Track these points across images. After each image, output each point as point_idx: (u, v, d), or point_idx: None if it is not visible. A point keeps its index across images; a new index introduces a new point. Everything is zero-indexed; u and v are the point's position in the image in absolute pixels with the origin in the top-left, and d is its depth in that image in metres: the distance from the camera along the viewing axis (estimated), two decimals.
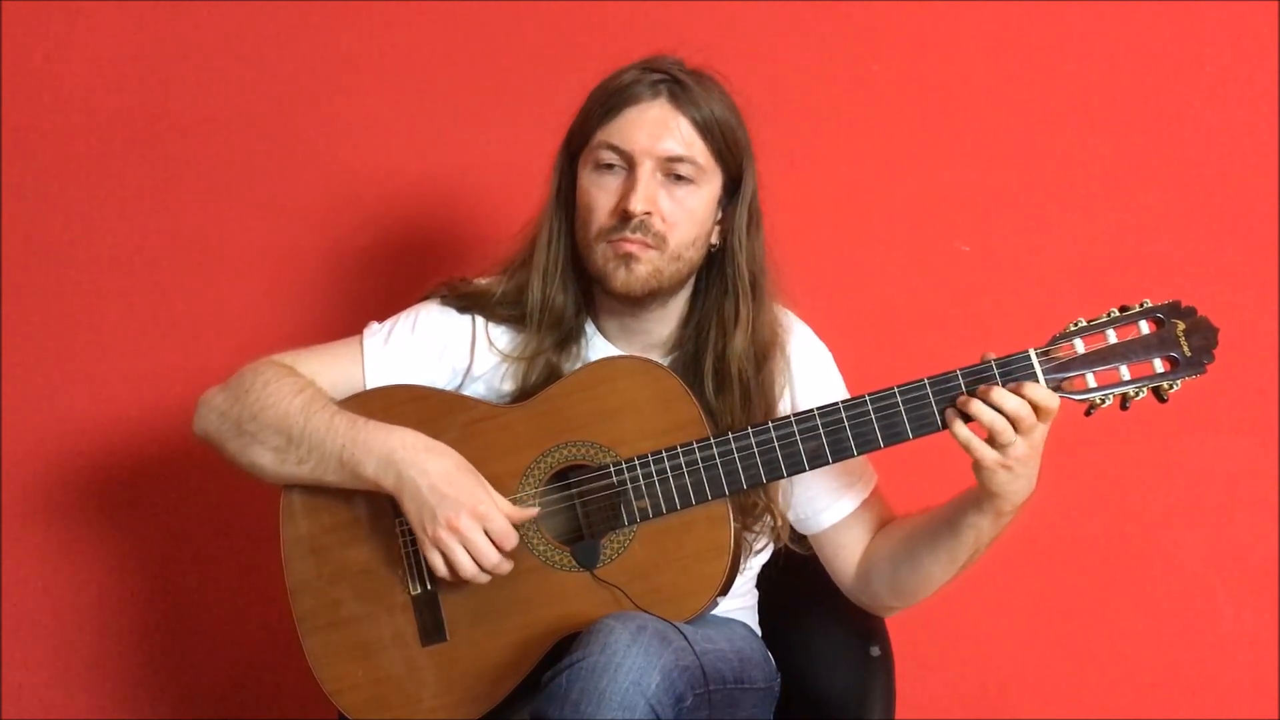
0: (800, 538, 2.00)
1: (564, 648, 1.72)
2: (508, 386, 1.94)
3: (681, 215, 1.88)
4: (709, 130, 1.89)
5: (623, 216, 1.86)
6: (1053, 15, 2.49)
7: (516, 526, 1.82)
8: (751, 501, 1.90)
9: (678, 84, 1.90)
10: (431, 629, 1.86)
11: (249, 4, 2.53)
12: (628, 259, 1.86)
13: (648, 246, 1.86)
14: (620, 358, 1.93)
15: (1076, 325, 1.75)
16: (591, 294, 1.98)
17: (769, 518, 1.93)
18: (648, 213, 1.85)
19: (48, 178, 2.53)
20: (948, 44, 2.51)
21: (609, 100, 1.90)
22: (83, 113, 2.53)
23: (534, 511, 1.83)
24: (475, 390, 1.96)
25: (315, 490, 1.89)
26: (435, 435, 1.85)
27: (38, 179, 2.53)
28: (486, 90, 2.53)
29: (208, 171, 2.53)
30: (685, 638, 1.74)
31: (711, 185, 1.91)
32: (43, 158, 2.53)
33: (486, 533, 1.79)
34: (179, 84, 2.53)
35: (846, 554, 1.97)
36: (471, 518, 1.79)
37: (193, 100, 2.53)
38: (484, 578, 1.81)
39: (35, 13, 2.52)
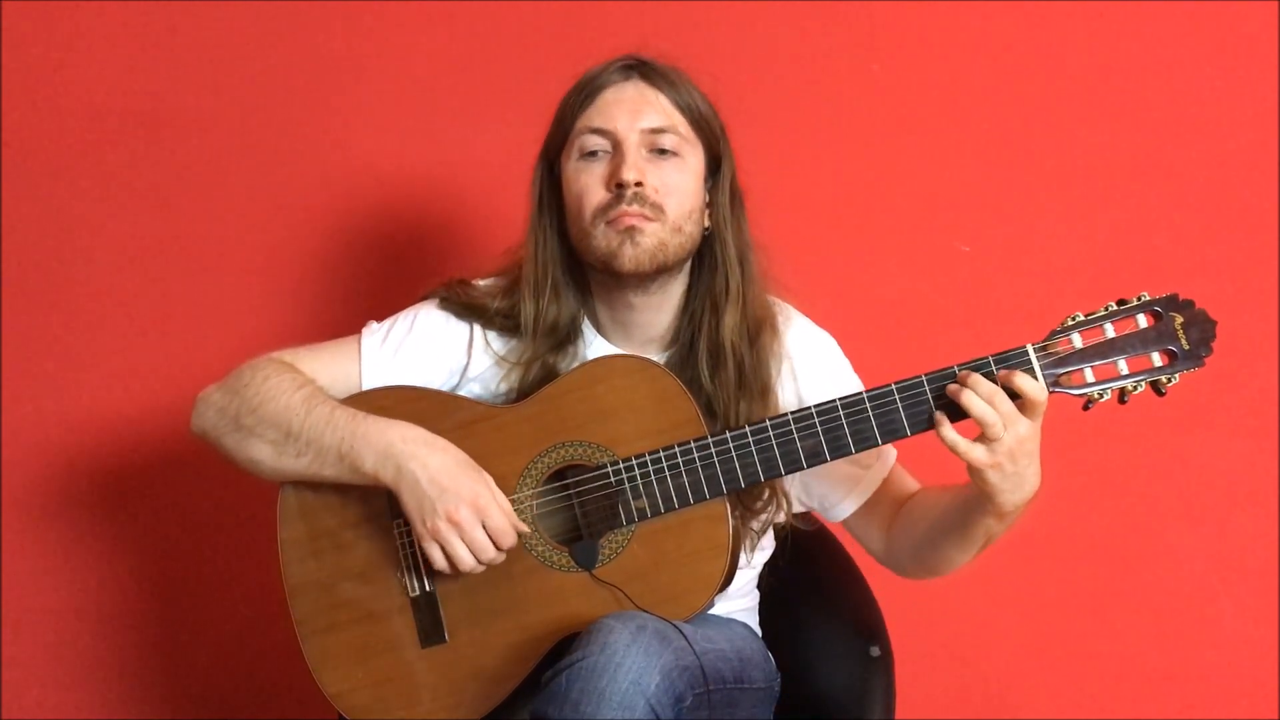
0: (804, 514, 2.01)
1: (564, 648, 1.72)
2: (504, 387, 1.94)
3: (673, 186, 1.89)
4: (685, 106, 1.92)
5: (617, 189, 1.86)
6: (1053, 15, 2.49)
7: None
8: (756, 490, 1.89)
9: (647, 66, 1.93)
10: (431, 630, 1.86)
11: (249, 4, 2.53)
12: (631, 233, 1.86)
13: (647, 219, 1.86)
14: (617, 356, 1.93)
15: (1074, 319, 1.75)
16: (587, 294, 1.98)
17: (774, 505, 1.93)
18: (639, 183, 1.86)
19: (48, 178, 2.53)
20: (948, 44, 2.52)
21: (583, 90, 1.92)
22: (83, 113, 2.54)
23: (525, 529, 1.83)
24: (471, 391, 1.96)
25: (313, 492, 1.89)
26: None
27: (38, 179, 2.53)
28: (485, 90, 2.53)
29: (208, 171, 2.54)
30: (685, 637, 1.74)
31: (695, 157, 1.92)
32: (43, 158, 2.53)
33: (485, 527, 1.79)
34: (179, 84, 2.54)
35: (874, 534, 1.99)
36: (471, 510, 1.79)
37: (193, 100, 2.54)
38: (480, 568, 1.81)
39: (35, 13, 2.53)
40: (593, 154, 1.90)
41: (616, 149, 1.88)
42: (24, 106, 2.53)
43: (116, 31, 2.54)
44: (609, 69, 1.92)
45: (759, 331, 1.94)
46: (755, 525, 1.94)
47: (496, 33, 2.53)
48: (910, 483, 1.98)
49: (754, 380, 1.91)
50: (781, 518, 1.96)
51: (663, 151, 1.89)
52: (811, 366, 1.97)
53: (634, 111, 1.89)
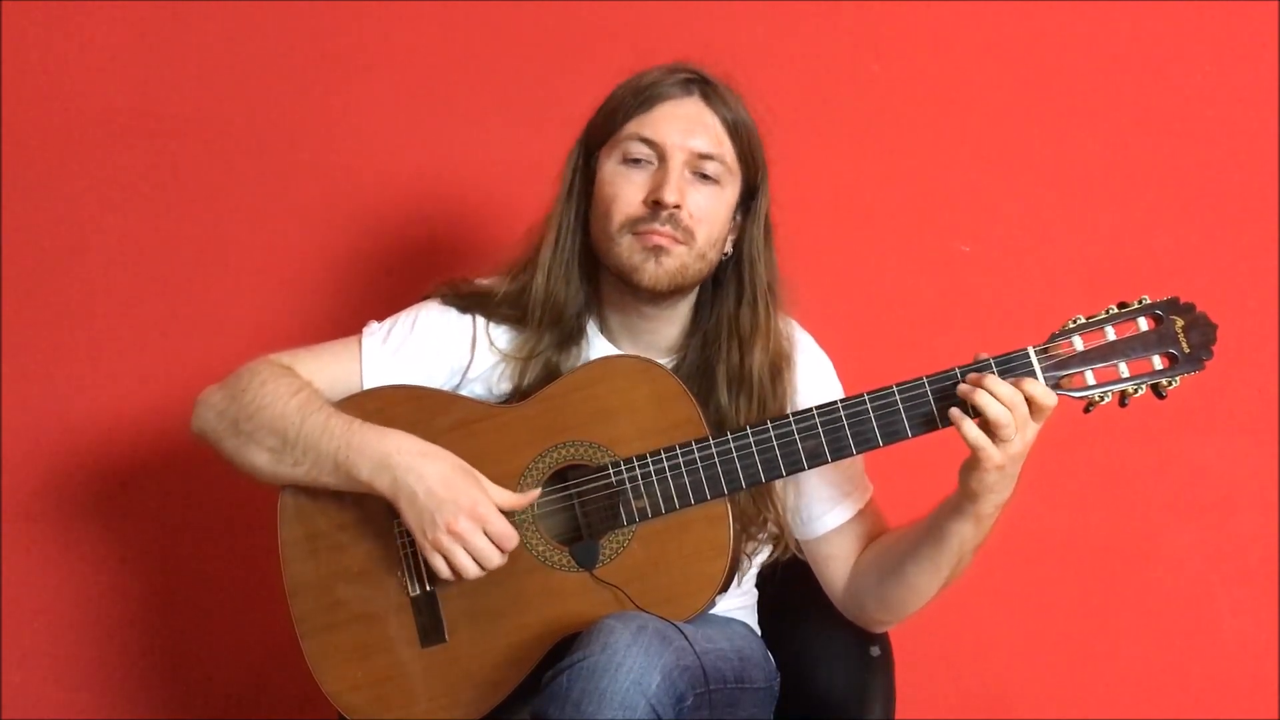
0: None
1: (564, 648, 1.72)
2: (506, 386, 1.94)
3: (708, 213, 1.89)
4: (737, 132, 1.91)
5: (654, 207, 1.86)
6: (1053, 15, 2.49)
7: (515, 524, 1.82)
8: (755, 510, 1.90)
9: (709, 84, 1.92)
10: (431, 630, 1.86)
11: (249, 4, 2.53)
12: (657, 251, 1.86)
13: (676, 241, 1.87)
14: (618, 357, 1.93)
15: (1075, 322, 1.75)
16: (597, 293, 1.98)
17: (772, 528, 1.93)
18: (678, 205, 1.86)
19: (48, 178, 2.53)
20: (948, 44, 2.52)
21: (641, 94, 1.90)
22: (83, 113, 2.54)
23: (535, 494, 1.83)
24: (473, 390, 1.96)
25: (313, 491, 1.89)
26: (432, 435, 1.84)
27: (38, 179, 2.53)
28: (488, 90, 2.53)
29: (208, 171, 2.53)
30: (685, 637, 1.74)
31: (733, 188, 1.92)
32: (43, 158, 2.53)
33: (486, 533, 1.79)
34: (179, 84, 2.54)
35: (837, 565, 1.97)
36: (470, 519, 1.78)
37: (193, 100, 2.53)
38: (484, 574, 1.81)
39: (35, 13, 2.53)
40: (635, 161, 1.89)
41: (661, 163, 1.88)
42: (24, 106, 2.53)
43: (117, 32, 2.53)
44: (671, 78, 1.91)
45: (780, 366, 1.94)
46: (749, 547, 1.95)
47: (500, 34, 2.53)
48: (884, 523, 1.99)
49: (771, 411, 1.91)
50: (775, 539, 1.96)
51: (704, 176, 1.89)
52: (810, 389, 1.97)
53: (687, 130, 1.88)
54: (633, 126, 1.89)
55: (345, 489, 1.85)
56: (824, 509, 1.95)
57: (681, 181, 1.87)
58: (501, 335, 1.97)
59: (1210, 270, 2.45)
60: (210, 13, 2.53)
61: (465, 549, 1.79)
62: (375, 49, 2.54)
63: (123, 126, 2.54)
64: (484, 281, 2.01)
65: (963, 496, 1.78)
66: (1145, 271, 2.44)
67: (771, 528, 1.93)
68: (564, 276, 1.94)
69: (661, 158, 1.88)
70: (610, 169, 1.91)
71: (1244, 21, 2.47)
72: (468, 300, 1.98)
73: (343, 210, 2.54)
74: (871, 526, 1.97)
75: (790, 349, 1.97)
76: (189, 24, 2.53)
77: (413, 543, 1.84)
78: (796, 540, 1.98)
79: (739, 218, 1.95)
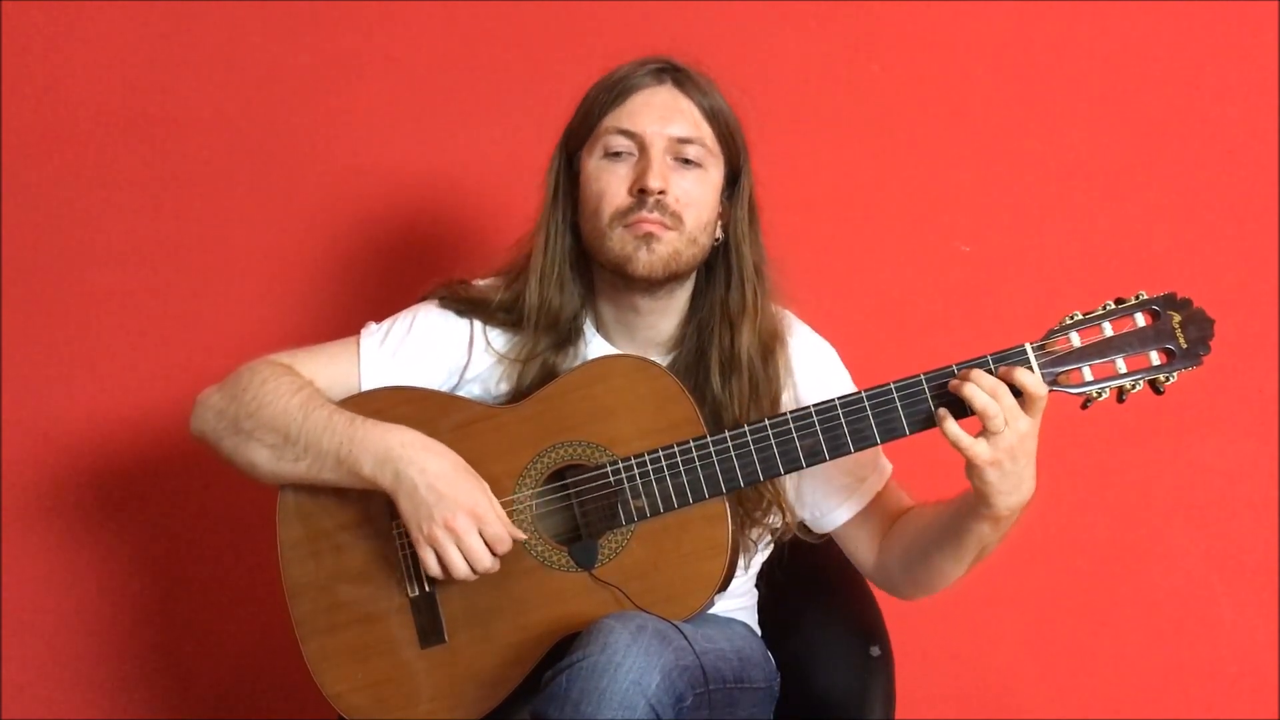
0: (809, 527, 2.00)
1: (564, 648, 1.72)
2: (504, 388, 1.94)
3: (693, 197, 1.89)
4: (713, 116, 1.92)
5: (640, 196, 1.86)
6: (1053, 15, 2.50)
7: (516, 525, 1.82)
8: (756, 495, 1.90)
9: (680, 71, 1.93)
10: (430, 631, 1.86)
11: (249, 4, 2.53)
12: (648, 239, 1.86)
13: (666, 227, 1.87)
14: (616, 356, 1.93)
15: (1072, 318, 1.75)
16: (592, 294, 1.98)
17: (776, 513, 1.93)
18: (663, 191, 1.86)
19: (48, 178, 2.53)
20: (947, 44, 2.52)
21: (614, 89, 1.91)
22: (83, 113, 2.54)
23: (520, 536, 1.83)
24: (471, 391, 1.96)
25: (312, 493, 1.89)
26: (430, 436, 1.84)
27: (38, 179, 2.53)
28: (486, 90, 2.53)
29: (207, 171, 2.54)
30: (685, 637, 1.74)
31: (717, 170, 1.92)
32: (43, 158, 2.53)
33: (482, 535, 1.79)
34: (179, 84, 2.54)
35: (864, 547, 1.97)
36: (468, 518, 1.78)
37: (193, 100, 2.54)
38: (474, 577, 1.81)
39: (35, 13, 2.53)
40: (616, 155, 1.90)
41: (642, 153, 1.88)
42: (24, 106, 2.53)
43: (116, 31, 2.54)
44: (641, 70, 1.92)
45: (772, 346, 1.94)
46: (754, 533, 1.94)
47: (498, 34, 2.54)
48: (905, 499, 1.98)
49: (765, 393, 1.92)
50: (779, 523, 1.96)
51: (686, 161, 1.89)
52: (811, 376, 1.97)
53: (664, 117, 1.89)
54: (609, 121, 1.90)
55: (347, 485, 1.85)
56: (838, 501, 1.95)
57: (664, 167, 1.87)
58: (499, 338, 1.97)
59: (1208, 266, 2.45)
60: (209, 13, 2.53)
61: (459, 547, 1.79)
62: (374, 49, 2.55)
63: (123, 126, 2.54)
64: (481, 283, 2.01)
65: (976, 499, 1.78)
66: (1143, 268, 2.44)
67: (774, 513, 1.93)
68: (557, 282, 1.94)
69: (641, 147, 1.88)
70: (593, 166, 1.91)
71: (1244, 21, 2.47)
72: (465, 304, 1.98)
73: (341, 211, 2.55)
74: (893, 507, 1.97)
75: (783, 331, 1.96)
76: (188, 24, 2.53)
77: (411, 543, 1.84)
78: (800, 524, 1.97)
79: (725, 202, 1.95)
